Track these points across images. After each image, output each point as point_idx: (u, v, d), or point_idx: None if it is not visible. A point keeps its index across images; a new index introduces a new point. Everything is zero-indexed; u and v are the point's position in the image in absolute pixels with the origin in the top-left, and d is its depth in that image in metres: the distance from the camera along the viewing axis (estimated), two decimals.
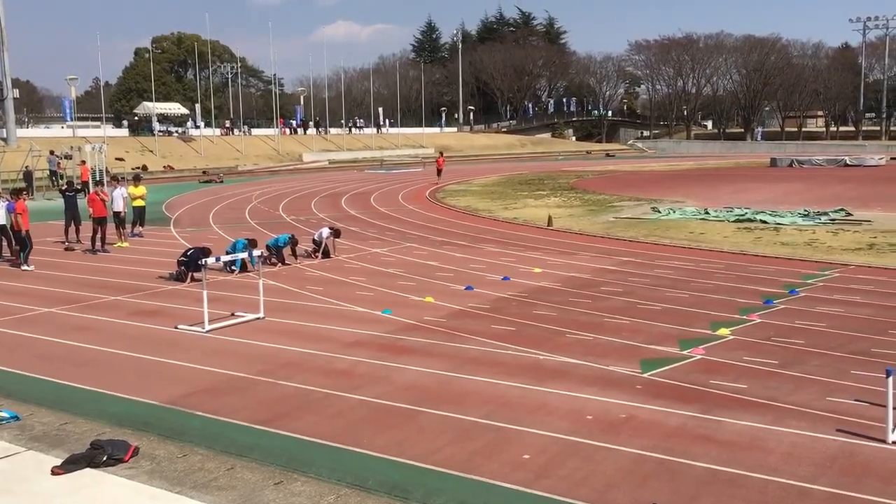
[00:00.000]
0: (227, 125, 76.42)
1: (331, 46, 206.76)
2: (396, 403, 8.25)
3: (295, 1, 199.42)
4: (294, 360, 9.95)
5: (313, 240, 18.38)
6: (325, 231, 18.27)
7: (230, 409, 8.14)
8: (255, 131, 77.69)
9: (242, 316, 12.17)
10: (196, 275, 14.56)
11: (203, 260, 12.47)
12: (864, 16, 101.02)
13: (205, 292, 11.53)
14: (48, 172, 40.19)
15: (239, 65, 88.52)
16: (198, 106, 72.49)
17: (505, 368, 9.42)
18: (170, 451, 7.13)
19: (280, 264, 16.87)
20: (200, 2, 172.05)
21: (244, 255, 15.08)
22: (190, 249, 15.94)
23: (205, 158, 61.74)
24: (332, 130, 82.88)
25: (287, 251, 17.52)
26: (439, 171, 45.79)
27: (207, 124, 73.34)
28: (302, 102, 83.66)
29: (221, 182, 46.65)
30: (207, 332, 11.29)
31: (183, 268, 15.38)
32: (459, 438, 7.31)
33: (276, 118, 75.74)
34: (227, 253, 15.83)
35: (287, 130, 77.28)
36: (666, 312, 12.15)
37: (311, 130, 78.23)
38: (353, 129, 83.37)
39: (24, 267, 16.90)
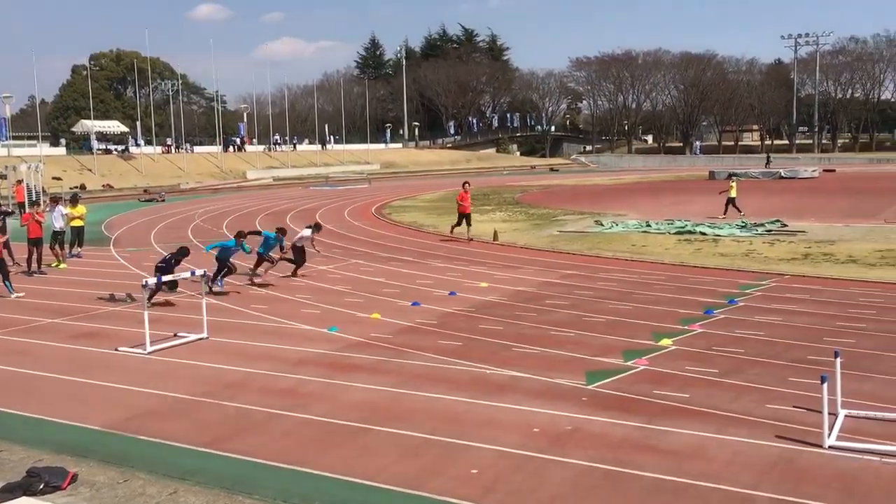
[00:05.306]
0: (169, 143, 75.34)
1: (275, 63, 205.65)
2: (343, 421, 8.19)
3: (238, 17, 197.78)
4: (238, 380, 9.81)
5: (293, 246, 17.67)
6: (306, 232, 17.76)
7: (173, 432, 7.98)
8: (197, 149, 76.74)
9: (185, 336, 11.96)
10: (165, 279, 13.72)
11: (147, 280, 12.21)
12: (795, 33, 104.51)
13: (146, 313, 11.32)
14: None
15: (180, 82, 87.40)
16: (138, 123, 71.41)
17: (452, 384, 9.43)
18: (110, 476, 6.95)
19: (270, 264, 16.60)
20: (140, 18, 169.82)
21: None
22: (168, 255, 15.49)
23: (146, 177, 60.73)
24: (277, 147, 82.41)
25: (277, 253, 16.98)
26: (467, 218, 23.97)
27: (148, 142, 72.33)
28: (245, 119, 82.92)
29: (163, 201, 45.88)
30: (149, 353, 11.06)
31: (158, 275, 14.23)
32: (407, 455, 7.29)
33: (219, 135, 74.95)
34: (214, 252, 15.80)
35: (231, 148, 76.50)
36: (610, 324, 12.32)
37: (251, 147, 77.63)
38: (273, 147, 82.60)
39: None
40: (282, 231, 17.17)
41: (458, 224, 24.10)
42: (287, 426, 8.14)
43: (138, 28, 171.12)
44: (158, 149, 71.97)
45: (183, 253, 15.40)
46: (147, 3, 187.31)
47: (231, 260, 15.95)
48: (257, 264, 16.68)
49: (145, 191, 52.56)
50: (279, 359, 10.71)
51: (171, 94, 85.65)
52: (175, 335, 12.02)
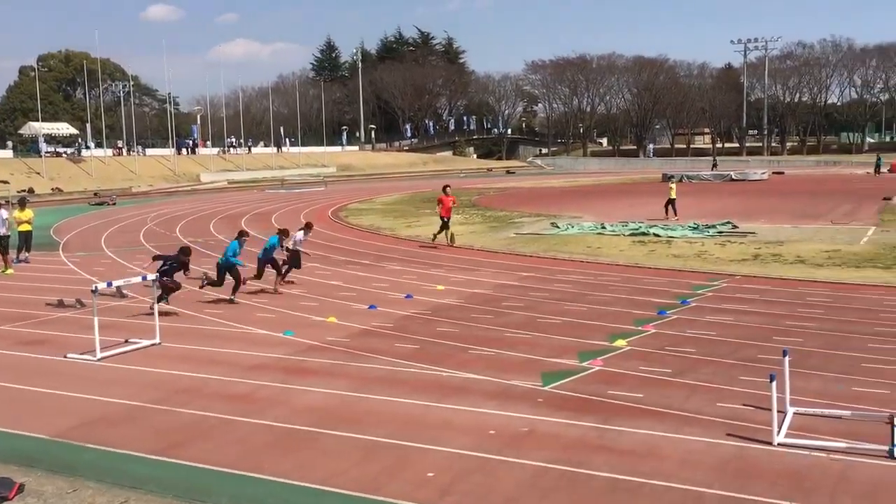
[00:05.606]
0: (120, 145, 74.08)
1: (229, 65, 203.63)
2: (299, 426, 8.12)
3: (192, 19, 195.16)
4: (191, 386, 9.67)
5: (287, 249, 16.90)
6: (299, 235, 17.13)
7: (124, 440, 7.83)
8: (149, 151, 75.60)
9: (137, 342, 11.75)
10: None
11: (97, 286, 11.98)
12: (744, 38, 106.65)
13: (95, 318, 11.09)
14: None
15: (131, 83, 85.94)
16: (88, 126, 70.08)
17: (408, 386, 9.41)
18: (58, 486, 6.80)
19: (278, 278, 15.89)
20: (90, 19, 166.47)
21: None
22: (168, 256, 14.62)
23: (96, 180, 59.67)
24: (231, 150, 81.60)
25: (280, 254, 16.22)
26: (446, 225, 23.30)
27: (99, 144, 71.05)
28: (199, 122, 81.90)
29: (114, 204, 45.11)
30: (99, 360, 10.85)
31: (166, 279, 13.76)
32: (363, 459, 7.26)
33: (172, 138, 73.92)
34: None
35: (184, 150, 75.48)
36: (566, 325, 12.41)
37: (205, 150, 76.79)
38: (227, 150, 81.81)
39: None
40: (284, 233, 16.49)
41: (446, 229, 23.22)
42: (241, 432, 8.04)
43: (88, 29, 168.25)
44: (109, 151, 70.71)
45: (185, 253, 14.33)
46: (97, 3, 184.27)
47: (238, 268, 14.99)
48: (276, 272, 16.01)
49: (95, 194, 51.60)
50: (233, 364, 10.59)
51: (122, 95, 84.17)
52: (126, 341, 11.81)
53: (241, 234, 15.41)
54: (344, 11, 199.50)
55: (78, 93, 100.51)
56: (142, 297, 15.30)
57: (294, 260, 16.91)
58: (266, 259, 15.90)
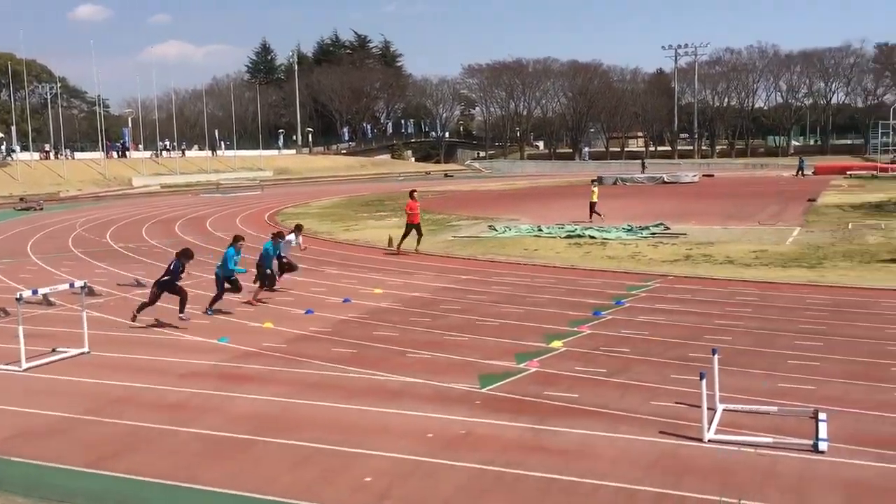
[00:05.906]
0: (47, 149, 71.95)
1: (161, 67, 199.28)
2: (233, 434, 8.01)
3: (122, 19, 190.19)
4: (123, 395, 9.44)
5: (281, 255, 16.27)
6: (291, 238, 16.54)
7: (52, 453, 7.61)
8: (78, 155, 73.60)
9: (65, 351, 11.42)
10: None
11: (21, 294, 11.60)
12: (675, 44, 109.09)
13: (20, 327, 10.75)
14: None
15: (59, 85, 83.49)
16: (14, 129, 67.87)
17: (346, 391, 9.37)
18: None
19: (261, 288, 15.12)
20: (14, 18, 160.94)
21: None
22: (171, 262, 13.49)
23: (22, 184, 57.82)
24: (164, 153, 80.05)
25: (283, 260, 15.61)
26: (417, 229, 22.41)
27: (24, 148, 68.93)
28: (130, 124, 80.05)
29: (41, 209, 43.78)
30: (25, 370, 10.52)
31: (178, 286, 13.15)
32: (299, 466, 7.19)
33: (102, 141, 72.10)
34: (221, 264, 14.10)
35: (114, 154, 73.72)
36: (503, 327, 12.50)
37: (137, 153, 75.18)
38: (160, 153, 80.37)
39: None
40: (279, 235, 15.85)
41: (406, 235, 22.11)
42: (175, 441, 7.89)
43: (12, 29, 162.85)
44: (36, 155, 68.63)
45: (188, 256, 13.44)
46: (23, 2, 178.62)
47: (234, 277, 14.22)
48: (260, 279, 15.29)
49: (22, 199, 50.04)
50: (166, 372, 10.38)
51: (49, 97, 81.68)
52: (53, 350, 11.47)
53: (237, 239, 14.61)
54: (279, 14, 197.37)
55: (2, 95, 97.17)
56: (69, 304, 14.88)
57: (289, 265, 16.54)
58: (269, 266, 15.31)
